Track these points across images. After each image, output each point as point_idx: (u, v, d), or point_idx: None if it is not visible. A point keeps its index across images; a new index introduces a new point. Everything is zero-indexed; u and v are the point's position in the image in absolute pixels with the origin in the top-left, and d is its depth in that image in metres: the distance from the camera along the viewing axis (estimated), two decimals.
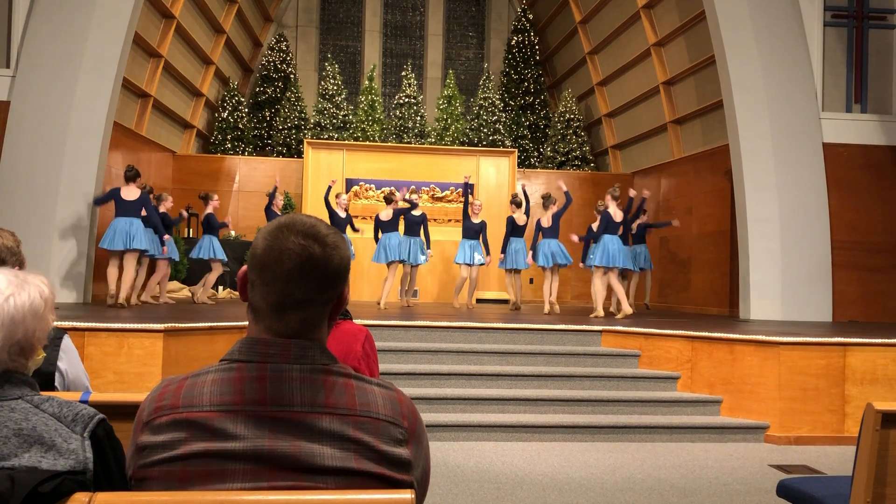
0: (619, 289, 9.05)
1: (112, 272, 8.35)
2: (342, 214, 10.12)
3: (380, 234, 10.11)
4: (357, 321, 2.89)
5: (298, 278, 1.26)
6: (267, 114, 15.15)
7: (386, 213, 10.12)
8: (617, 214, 9.04)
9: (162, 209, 9.45)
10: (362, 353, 2.42)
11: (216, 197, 10.24)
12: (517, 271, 10.33)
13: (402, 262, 9.97)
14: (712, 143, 11.42)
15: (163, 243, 8.88)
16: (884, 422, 2.33)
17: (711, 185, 11.55)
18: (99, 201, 8.71)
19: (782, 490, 3.02)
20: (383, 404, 1.27)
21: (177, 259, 9.89)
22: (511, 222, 10.16)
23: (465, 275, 10.31)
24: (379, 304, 9.96)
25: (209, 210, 9.99)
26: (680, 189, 12.51)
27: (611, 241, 8.91)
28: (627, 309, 8.95)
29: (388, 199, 10.30)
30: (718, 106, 10.66)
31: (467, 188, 10.68)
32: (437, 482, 4.48)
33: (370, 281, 12.73)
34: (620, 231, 9.17)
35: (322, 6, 17.05)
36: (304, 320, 1.28)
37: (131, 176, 8.50)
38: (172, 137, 13.11)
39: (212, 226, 9.93)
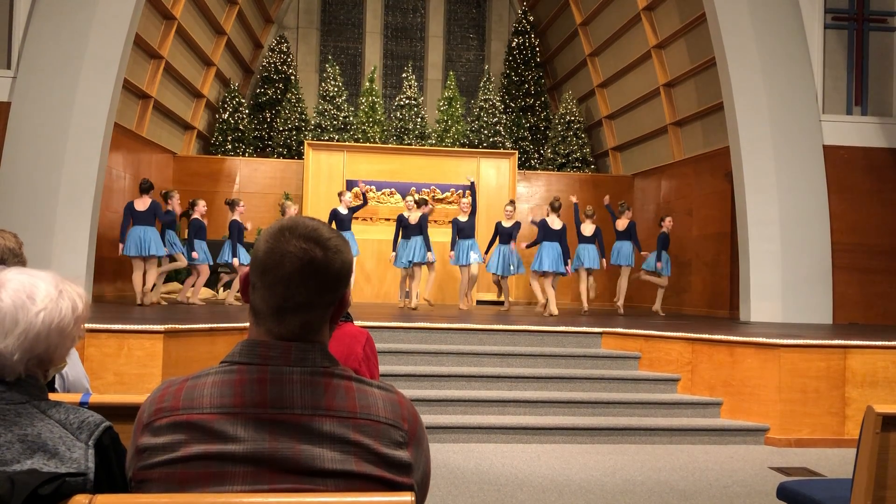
0: (551, 292, 9.63)
1: (136, 277, 8.86)
2: (344, 211, 10.15)
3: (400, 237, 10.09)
4: (357, 323, 2.89)
5: (299, 282, 1.26)
6: (267, 115, 15.15)
7: (414, 216, 10.05)
8: (556, 223, 9.67)
9: (169, 207, 9.59)
10: (363, 356, 2.42)
11: (242, 203, 10.23)
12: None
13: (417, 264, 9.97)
14: (713, 145, 11.42)
15: (192, 249, 9.45)
16: (884, 424, 2.33)
17: (712, 187, 11.54)
18: (123, 226, 8.95)
19: (782, 492, 3.02)
20: (384, 407, 1.27)
21: (210, 262, 9.92)
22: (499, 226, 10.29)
23: (465, 275, 10.29)
24: (418, 306, 10.02)
25: (235, 216, 9.92)
26: (680, 191, 12.51)
27: (549, 248, 9.56)
28: (553, 310, 9.44)
29: (420, 203, 10.24)
30: (719, 108, 10.65)
31: (473, 188, 10.61)
32: (437, 484, 4.48)
33: (371, 282, 12.73)
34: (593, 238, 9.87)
35: (323, 8, 17.06)
36: (304, 323, 1.28)
37: (145, 188, 9.02)
38: (173, 138, 13.11)
39: (236, 231, 9.89)
